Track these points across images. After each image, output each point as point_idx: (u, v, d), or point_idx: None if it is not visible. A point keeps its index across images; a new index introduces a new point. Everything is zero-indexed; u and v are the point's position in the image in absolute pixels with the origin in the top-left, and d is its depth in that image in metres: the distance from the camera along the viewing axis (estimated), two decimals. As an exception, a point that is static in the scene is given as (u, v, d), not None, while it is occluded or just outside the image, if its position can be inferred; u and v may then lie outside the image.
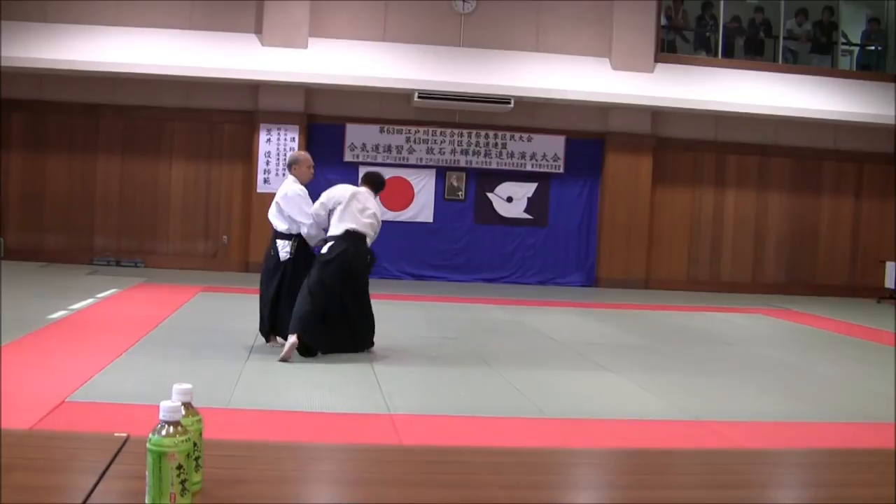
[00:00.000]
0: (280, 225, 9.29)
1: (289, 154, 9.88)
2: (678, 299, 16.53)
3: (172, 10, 16.92)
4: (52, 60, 16.13)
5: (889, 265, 17.97)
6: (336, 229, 9.06)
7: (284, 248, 9.25)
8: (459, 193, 18.13)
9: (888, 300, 17.88)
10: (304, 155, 9.63)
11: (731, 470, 2.41)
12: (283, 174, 16.91)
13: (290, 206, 9.20)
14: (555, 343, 10.76)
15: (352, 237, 9.05)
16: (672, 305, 15.49)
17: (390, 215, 17.50)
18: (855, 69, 19.85)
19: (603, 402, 7.76)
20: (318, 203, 9.22)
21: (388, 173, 17.44)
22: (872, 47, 20.09)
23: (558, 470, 2.43)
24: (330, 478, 2.22)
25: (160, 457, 1.76)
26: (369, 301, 9.34)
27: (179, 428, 1.80)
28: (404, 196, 17.82)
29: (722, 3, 19.20)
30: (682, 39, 19.22)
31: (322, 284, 8.88)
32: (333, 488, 2.17)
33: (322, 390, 7.52)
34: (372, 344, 9.31)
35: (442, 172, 18.03)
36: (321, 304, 8.87)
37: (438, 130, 17.93)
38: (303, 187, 9.33)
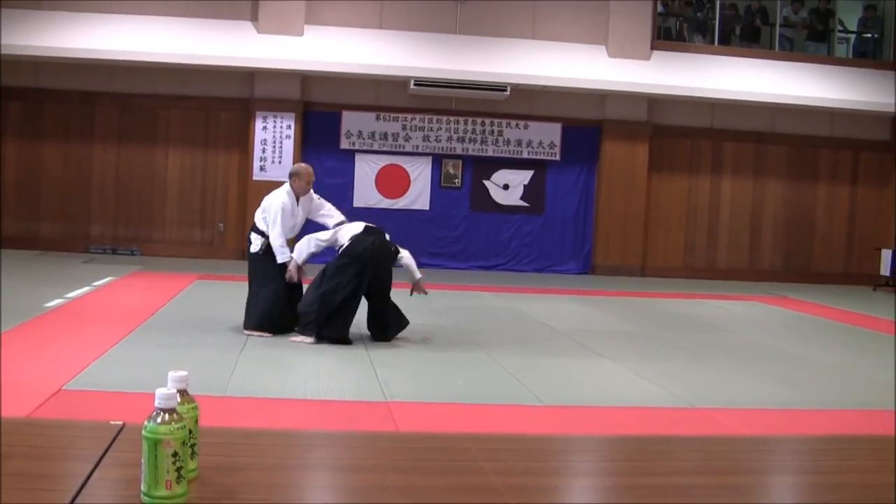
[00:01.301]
0: (260, 223, 9.52)
1: (293, 165, 10.05)
2: (674, 286, 16.55)
3: (168, -2, 16.90)
4: (48, 48, 16.09)
5: (885, 252, 17.99)
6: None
7: (256, 241, 9.51)
8: (456, 181, 18.12)
9: (884, 287, 17.90)
10: (308, 169, 9.69)
11: (728, 457, 2.41)
12: (279, 161, 16.99)
13: (269, 215, 9.41)
14: (551, 330, 10.76)
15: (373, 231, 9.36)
16: (668, 293, 15.50)
17: (386, 203, 17.58)
18: (851, 56, 19.84)
19: (599, 389, 7.77)
20: (327, 235, 9.42)
21: (384, 161, 17.59)
22: (869, 35, 20.06)
23: (555, 456, 2.43)
24: (326, 465, 2.22)
25: (155, 444, 1.76)
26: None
27: (175, 415, 1.80)
28: (400, 184, 17.82)
29: (719, -10, 19.19)
30: (677, 23, 19.21)
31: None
32: (330, 475, 2.16)
33: (318, 378, 7.53)
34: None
35: (438, 160, 18.02)
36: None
37: (435, 118, 17.91)
38: (289, 202, 9.44)
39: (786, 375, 8.67)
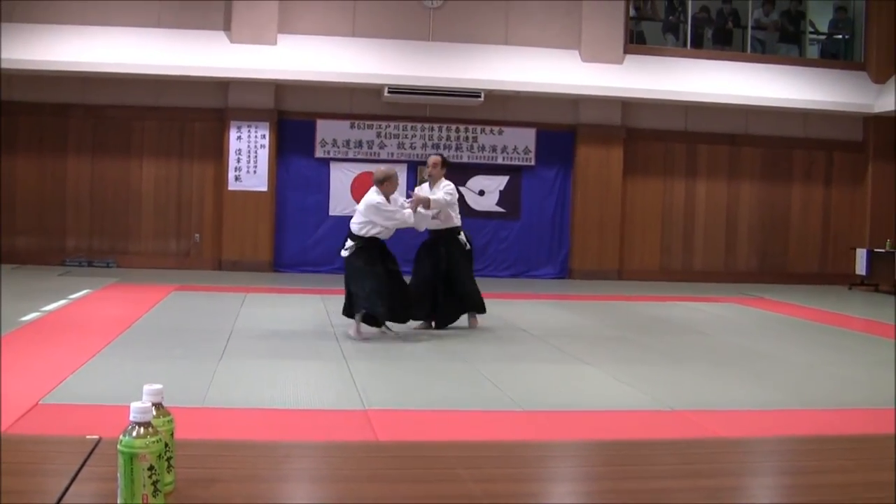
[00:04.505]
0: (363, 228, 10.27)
1: (380, 169, 10.33)
2: (651, 289, 16.58)
3: (140, 9, 16.81)
4: (20, 60, 15.99)
5: (860, 252, 18.11)
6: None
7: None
8: (432, 187, 18.10)
9: (859, 286, 18.01)
10: (397, 175, 10.50)
11: (707, 459, 2.41)
12: (254, 171, 16.98)
13: (379, 214, 10.15)
14: (529, 335, 10.77)
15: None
16: (645, 296, 15.53)
17: (363, 211, 17.53)
18: (823, 58, 19.97)
19: (577, 393, 7.77)
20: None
21: (359, 168, 17.53)
22: (840, 36, 20.21)
23: (534, 463, 2.43)
24: (305, 475, 2.22)
25: (131, 458, 1.75)
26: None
27: (150, 429, 1.79)
28: (376, 191, 17.77)
29: (690, -7, 19.28)
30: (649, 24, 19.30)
31: None
32: (308, 486, 2.16)
33: (296, 387, 7.50)
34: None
35: (413, 167, 18.00)
36: None
37: (409, 125, 17.91)
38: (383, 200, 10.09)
39: (763, 376, 8.70)
